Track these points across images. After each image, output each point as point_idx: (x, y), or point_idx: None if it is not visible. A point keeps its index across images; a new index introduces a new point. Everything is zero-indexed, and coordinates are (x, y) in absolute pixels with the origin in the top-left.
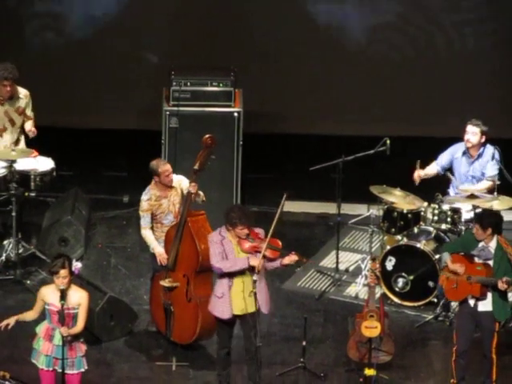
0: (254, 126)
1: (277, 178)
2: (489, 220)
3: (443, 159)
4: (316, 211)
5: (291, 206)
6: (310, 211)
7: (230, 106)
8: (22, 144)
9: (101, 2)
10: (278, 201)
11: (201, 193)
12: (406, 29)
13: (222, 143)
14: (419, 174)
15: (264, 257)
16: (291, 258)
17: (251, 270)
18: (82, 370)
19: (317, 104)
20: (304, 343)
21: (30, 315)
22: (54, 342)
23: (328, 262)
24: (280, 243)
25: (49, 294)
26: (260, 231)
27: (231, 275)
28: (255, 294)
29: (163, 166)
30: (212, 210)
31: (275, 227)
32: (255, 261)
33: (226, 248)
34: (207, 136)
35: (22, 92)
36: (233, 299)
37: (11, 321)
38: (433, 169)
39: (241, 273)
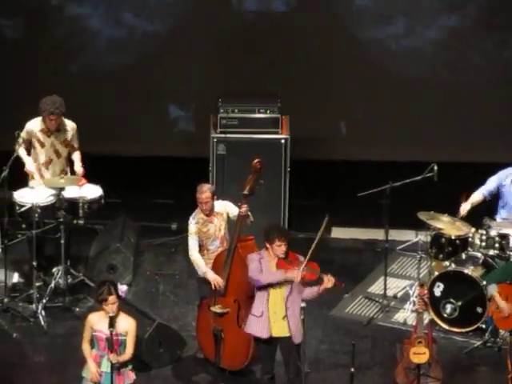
0: (301, 152)
1: (324, 205)
2: None
3: (490, 185)
4: (364, 237)
5: (339, 233)
6: (358, 237)
7: (277, 133)
8: (69, 175)
9: (147, 29)
10: (326, 227)
11: (249, 213)
12: (454, 52)
13: (270, 169)
14: (465, 207)
15: (301, 279)
16: (328, 281)
17: (289, 283)
18: None
19: (365, 130)
20: (352, 370)
21: (88, 348)
22: (102, 368)
23: (376, 288)
24: (318, 267)
25: (96, 321)
26: (299, 256)
27: (269, 293)
28: (303, 320)
29: (199, 193)
30: (259, 235)
31: (314, 249)
32: (293, 273)
33: (263, 267)
34: (256, 160)
35: (69, 124)
36: (269, 320)
37: (93, 367)
38: (479, 196)
39: (275, 293)
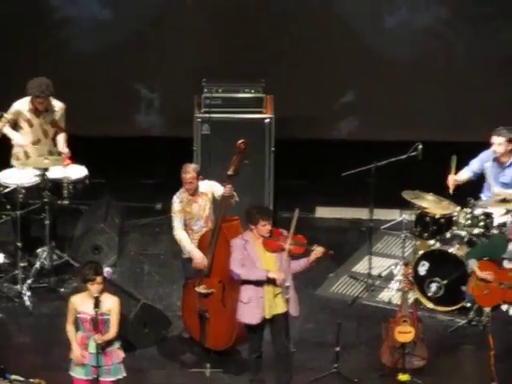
0: (286, 131)
1: (309, 184)
2: None
3: (474, 166)
4: (348, 217)
5: (324, 212)
6: (343, 217)
7: (261, 113)
8: (54, 156)
9: (131, 8)
10: (311, 206)
11: (234, 193)
12: (439, 35)
13: (254, 149)
14: (453, 178)
15: (289, 252)
16: (317, 251)
17: (272, 282)
18: (120, 376)
19: (349, 109)
20: (337, 349)
21: (72, 330)
22: (90, 350)
23: (361, 267)
24: (304, 239)
25: (80, 303)
26: (282, 230)
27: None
28: (287, 300)
29: (183, 173)
30: (244, 215)
31: (295, 223)
32: (275, 274)
33: (250, 252)
34: (240, 141)
35: (57, 105)
36: (263, 303)
37: (76, 349)
38: (464, 175)
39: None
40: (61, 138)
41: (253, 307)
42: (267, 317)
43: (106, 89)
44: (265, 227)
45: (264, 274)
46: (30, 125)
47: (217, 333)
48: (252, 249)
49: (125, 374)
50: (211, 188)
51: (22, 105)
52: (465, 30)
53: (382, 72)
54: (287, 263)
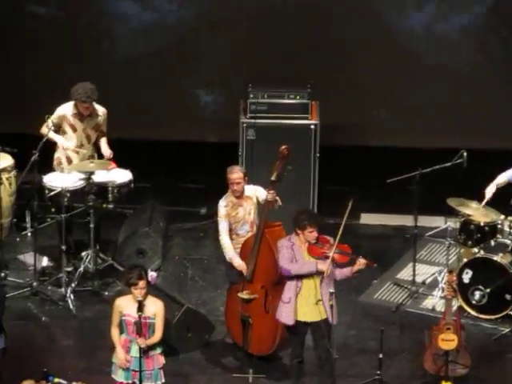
0: (331, 138)
1: (353, 191)
2: None
3: None
4: (393, 223)
5: (368, 219)
6: (387, 223)
7: (306, 118)
8: (97, 159)
9: (176, 14)
10: (354, 213)
11: (277, 198)
12: (484, 39)
13: (299, 155)
14: (490, 189)
15: (333, 261)
16: (360, 263)
17: (319, 274)
18: (159, 382)
19: (395, 116)
20: (380, 356)
21: (116, 333)
22: (132, 353)
23: (405, 274)
24: (349, 249)
25: (124, 306)
26: (329, 238)
27: (299, 281)
28: (331, 306)
29: (230, 174)
30: (288, 221)
31: (343, 233)
32: (323, 265)
33: (296, 254)
34: (283, 147)
35: (100, 110)
36: (300, 305)
37: (121, 352)
38: (503, 177)
39: (309, 279)
40: (103, 142)
41: (292, 307)
42: (307, 320)
43: (150, 93)
44: (311, 234)
45: (314, 266)
46: (74, 129)
47: (259, 338)
48: (298, 251)
49: (163, 381)
50: (255, 192)
51: (66, 109)
52: None
53: (428, 78)
54: (330, 271)
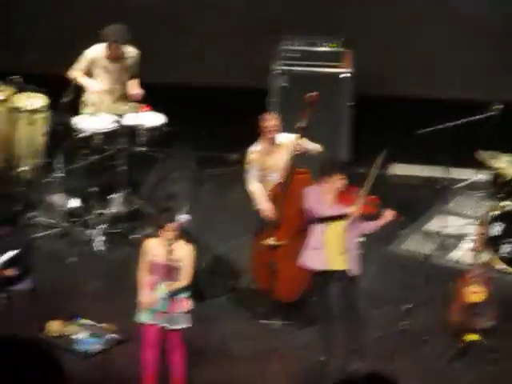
0: (365, 87)
1: (385, 141)
2: None
3: None
4: (423, 174)
5: (398, 169)
6: (417, 174)
7: (339, 67)
8: (129, 102)
9: None
10: (384, 164)
11: (314, 145)
12: None
13: (331, 104)
14: None
15: (360, 211)
16: (387, 215)
17: (346, 218)
18: (185, 326)
19: (428, 67)
20: (406, 306)
21: (143, 274)
22: (158, 294)
23: (433, 225)
24: (377, 200)
25: (153, 247)
26: (357, 188)
27: (325, 228)
28: (357, 255)
29: (263, 121)
30: (316, 169)
31: (372, 183)
32: (351, 208)
33: (323, 199)
34: (311, 93)
35: (132, 51)
36: (326, 253)
37: (147, 293)
38: None
39: (334, 227)
40: (134, 83)
41: (319, 254)
42: (333, 269)
43: (180, 36)
44: (339, 182)
45: (342, 209)
46: (105, 71)
47: (286, 285)
48: (325, 200)
49: (190, 325)
50: (289, 140)
51: (98, 50)
52: None
53: (462, 31)
54: (357, 221)
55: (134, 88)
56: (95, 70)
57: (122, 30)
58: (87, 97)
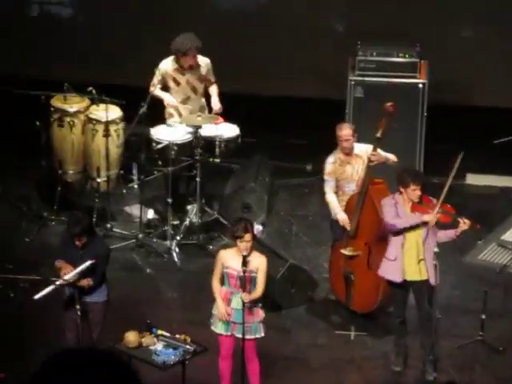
0: (439, 97)
1: (460, 150)
2: None
3: None
4: (499, 184)
5: (474, 179)
6: (493, 184)
7: (415, 77)
8: (207, 111)
9: None
10: (460, 174)
11: (390, 155)
12: None
13: (407, 114)
14: None
15: (437, 221)
16: (464, 224)
17: (424, 226)
18: (259, 335)
19: (505, 76)
20: (483, 316)
21: (217, 285)
22: (233, 306)
23: (510, 235)
24: (453, 209)
25: (228, 258)
26: (432, 198)
27: (403, 238)
28: (435, 265)
29: (339, 130)
30: (394, 179)
31: (447, 193)
32: (428, 216)
33: (399, 212)
34: (388, 104)
35: (202, 60)
36: (404, 263)
37: (221, 305)
38: None
39: (412, 237)
40: (213, 90)
41: (399, 265)
42: (410, 279)
43: (255, 47)
44: (415, 192)
45: (419, 217)
46: (177, 83)
47: (362, 295)
48: (401, 210)
49: (263, 334)
50: (366, 151)
51: (167, 64)
52: None
53: None
54: (433, 231)
55: (215, 100)
56: (168, 83)
57: (195, 37)
58: (169, 109)
